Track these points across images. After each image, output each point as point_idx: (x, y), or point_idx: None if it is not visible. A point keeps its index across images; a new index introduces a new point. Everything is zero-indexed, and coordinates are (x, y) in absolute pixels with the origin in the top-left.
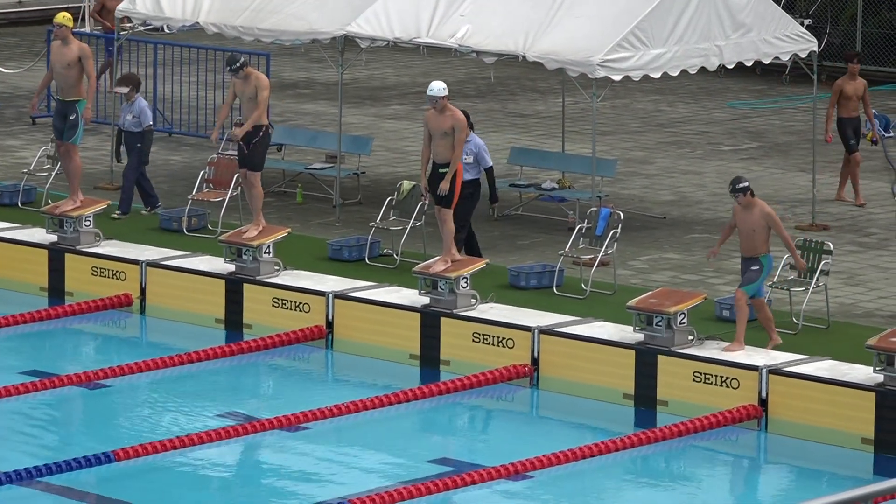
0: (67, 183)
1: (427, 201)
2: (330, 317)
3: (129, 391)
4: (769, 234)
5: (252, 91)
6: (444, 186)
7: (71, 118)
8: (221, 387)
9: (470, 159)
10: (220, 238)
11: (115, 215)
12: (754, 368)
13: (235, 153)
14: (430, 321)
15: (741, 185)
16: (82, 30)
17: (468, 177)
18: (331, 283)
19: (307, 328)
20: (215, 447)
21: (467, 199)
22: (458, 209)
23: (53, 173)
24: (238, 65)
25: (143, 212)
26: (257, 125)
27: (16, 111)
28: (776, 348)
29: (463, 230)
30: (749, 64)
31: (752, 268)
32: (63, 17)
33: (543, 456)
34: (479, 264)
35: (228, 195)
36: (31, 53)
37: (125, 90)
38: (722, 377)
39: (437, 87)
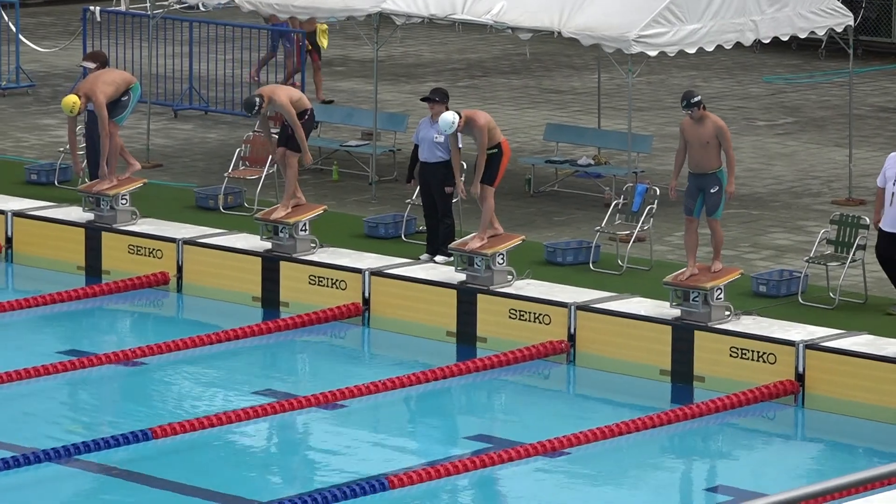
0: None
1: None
2: (366, 294)
3: (167, 369)
4: (720, 149)
5: (275, 110)
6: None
7: (123, 99)
8: (258, 365)
9: (441, 139)
10: (256, 216)
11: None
12: (791, 343)
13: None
14: (466, 298)
15: (696, 100)
16: (118, 8)
17: (445, 157)
18: (367, 260)
19: (344, 305)
20: (252, 425)
21: (447, 183)
22: (444, 199)
23: None
24: (256, 109)
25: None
26: (302, 110)
27: (52, 90)
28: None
29: (448, 217)
30: (785, 39)
31: (711, 190)
32: (71, 106)
33: (580, 433)
34: (516, 241)
35: (265, 172)
36: (66, 32)
37: (92, 66)
38: (759, 352)
39: (446, 125)
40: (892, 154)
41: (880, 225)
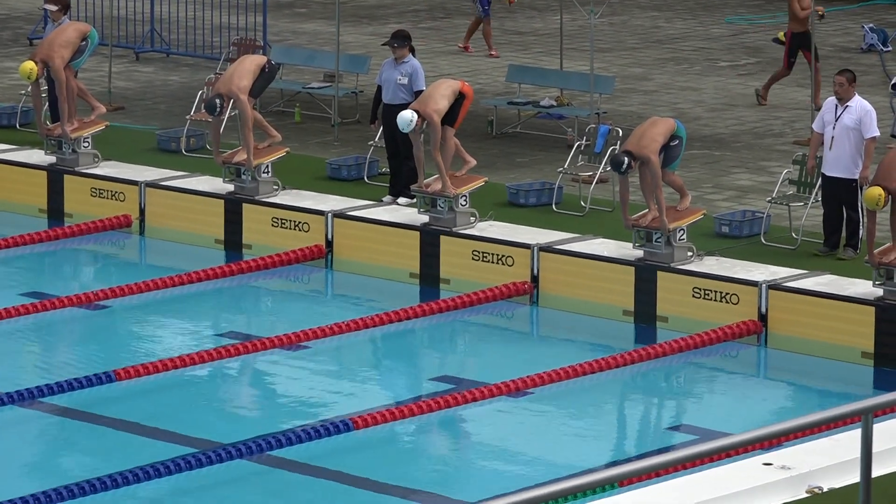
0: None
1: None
2: (329, 236)
3: (130, 312)
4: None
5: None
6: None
7: (82, 44)
8: (221, 307)
9: (405, 81)
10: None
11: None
12: (754, 284)
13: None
14: (429, 239)
15: (624, 167)
16: None
17: (408, 99)
18: (330, 202)
19: (307, 248)
20: (216, 366)
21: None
22: (407, 140)
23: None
24: (218, 110)
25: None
26: (261, 65)
27: (12, 32)
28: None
29: (411, 159)
30: None
31: (672, 143)
32: (28, 73)
33: (544, 373)
34: (478, 182)
35: (227, 115)
36: None
37: (53, 8)
38: (721, 293)
39: (404, 123)
40: (830, 98)
41: (823, 170)
